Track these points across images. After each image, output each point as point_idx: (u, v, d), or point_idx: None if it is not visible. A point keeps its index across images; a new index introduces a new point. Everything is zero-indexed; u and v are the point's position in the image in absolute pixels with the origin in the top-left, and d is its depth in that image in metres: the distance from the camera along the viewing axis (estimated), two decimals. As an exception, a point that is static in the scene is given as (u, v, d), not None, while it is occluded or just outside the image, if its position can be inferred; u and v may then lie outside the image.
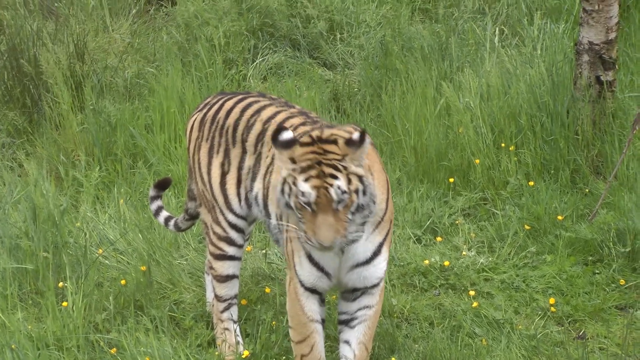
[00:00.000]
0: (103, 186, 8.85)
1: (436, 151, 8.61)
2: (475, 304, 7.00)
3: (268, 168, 6.15)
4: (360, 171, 5.51)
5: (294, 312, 5.89)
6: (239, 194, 6.36)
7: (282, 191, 5.57)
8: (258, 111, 6.28)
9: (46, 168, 8.92)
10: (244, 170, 6.30)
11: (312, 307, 5.86)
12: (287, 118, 6.18)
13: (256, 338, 6.62)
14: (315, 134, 5.57)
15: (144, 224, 7.99)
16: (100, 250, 7.75)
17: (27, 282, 7.42)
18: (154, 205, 7.15)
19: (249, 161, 6.25)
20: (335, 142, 5.53)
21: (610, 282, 7.45)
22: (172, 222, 7.14)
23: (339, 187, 5.44)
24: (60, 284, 7.23)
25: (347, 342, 5.94)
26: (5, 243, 7.58)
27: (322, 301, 5.92)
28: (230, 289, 6.65)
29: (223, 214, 6.45)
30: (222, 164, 6.35)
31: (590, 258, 7.66)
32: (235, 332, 6.63)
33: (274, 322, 6.66)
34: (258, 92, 6.58)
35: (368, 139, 5.51)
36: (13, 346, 6.47)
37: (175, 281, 7.42)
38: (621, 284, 7.40)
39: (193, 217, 7.04)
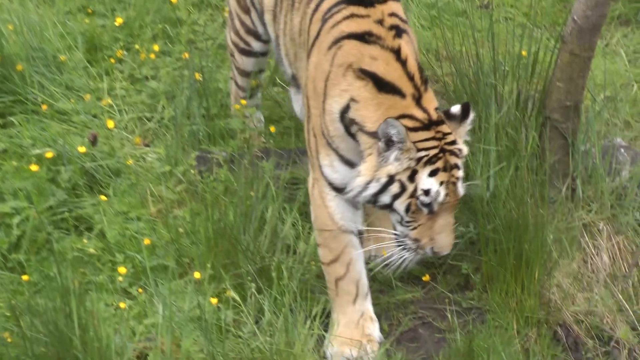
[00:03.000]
0: None
1: None
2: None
3: None
4: (466, 152, 4.47)
5: (321, 222, 4.64)
6: None
7: (381, 191, 4.37)
8: None
9: None
10: None
11: (344, 212, 4.62)
12: None
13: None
14: (422, 115, 4.36)
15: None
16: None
17: None
18: None
19: None
20: (443, 121, 4.40)
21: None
22: None
23: (463, 180, 4.41)
24: None
25: None
26: None
27: (355, 207, 4.67)
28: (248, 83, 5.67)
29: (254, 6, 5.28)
30: None
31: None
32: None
33: None
34: None
35: (472, 114, 4.47)
36: None
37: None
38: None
39: None
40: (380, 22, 4.43)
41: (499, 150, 5.05)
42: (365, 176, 4.36)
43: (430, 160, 4.32)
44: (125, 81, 5.90)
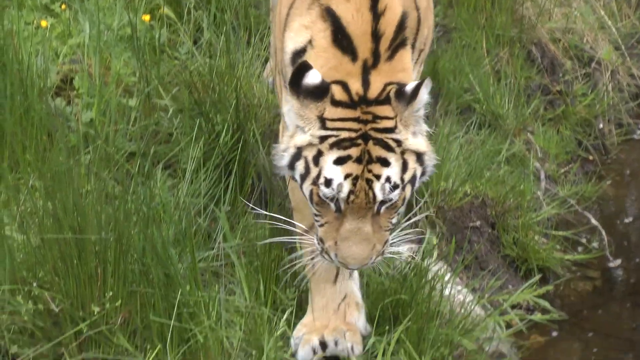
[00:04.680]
0: None
1: None
2: None
3: None
4: (420, 145, 3.51)
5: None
6: None
7: (292, 164, 3.51)
8: None
9: None
10: None
11: None
12: None
13: None
14: (357, 88, 3.44)
15: None
16: None
17: None
18: None
19: None
20: (386, 102, 3.45)
21: None
22: None
23: (388, 180, 3.43)
24: None
25: None
26: None
27: None
28: None
29: None
30: None
31: None
32: None
33: None
34: None
35: (425, 92, 3.43)
36: None
37: None
38: None
39: None
40: None
41: None
42: (283, 143, 3.57)
43: (340, 144, 3.45)
44: None
